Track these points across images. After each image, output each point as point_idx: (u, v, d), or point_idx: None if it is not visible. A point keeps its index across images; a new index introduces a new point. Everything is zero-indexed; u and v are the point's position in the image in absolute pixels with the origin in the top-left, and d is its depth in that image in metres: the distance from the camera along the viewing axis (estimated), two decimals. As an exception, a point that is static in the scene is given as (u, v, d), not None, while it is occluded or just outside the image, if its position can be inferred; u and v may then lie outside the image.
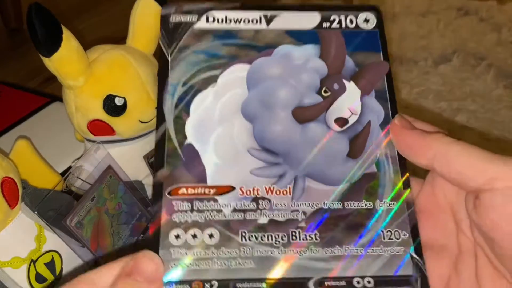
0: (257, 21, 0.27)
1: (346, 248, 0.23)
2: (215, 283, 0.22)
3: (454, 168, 0.23)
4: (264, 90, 0.26)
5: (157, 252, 0.23)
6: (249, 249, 0.23)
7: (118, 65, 0.52)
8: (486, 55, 0.95)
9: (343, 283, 0.22)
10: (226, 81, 0.26)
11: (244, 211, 0.24)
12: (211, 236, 0.23)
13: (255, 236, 0.23)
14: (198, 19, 0.27)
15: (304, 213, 0.24)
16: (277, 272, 0.22)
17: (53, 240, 0.46)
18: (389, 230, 0.24)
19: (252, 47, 0.26)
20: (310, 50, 0.26)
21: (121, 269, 0.22)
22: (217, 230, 0.23)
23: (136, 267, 0.22)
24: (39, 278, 0.44)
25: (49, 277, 0.45)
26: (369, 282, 0.22)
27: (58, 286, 0.45)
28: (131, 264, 0.22)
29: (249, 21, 0.27)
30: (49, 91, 0.82)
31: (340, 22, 0.27)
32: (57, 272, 0.46)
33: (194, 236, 0.23)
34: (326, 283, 0.22)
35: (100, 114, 0.51)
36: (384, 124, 0.26)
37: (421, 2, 1.18)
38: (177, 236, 0.23)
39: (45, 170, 0.55)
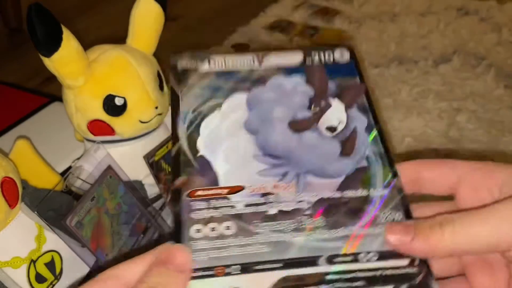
0: (250, 62, 0.32)
1: (350, 229, 0.26)
2: (236, 267, 0.25)
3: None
4: (262, 109, 0.30)
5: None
6: (263, 236, 0.26)
7: (118, 65, 0.52)
8: (486, 55, 0.95)
9: (350, 258, 0.25)
10: (229, 106, 0.30)
11: (255, 205, 0.27)
12: (228, 228, 0.26)
13: (267, 225, 0.26)
14: (201, 64, 0.32)
15: (309, 202, 0.27)
16: (291, 253, 0.25)
17: (53, 240, 0.46)
18: (384, 212, 0.27)
19: (249, 81, 0.31)
20: (297, 79, 0.31)
21: (154, 258, 0.24)
22: (233, 222, 0.26)
23: (168, 257, 0.24)
24: (39, 278, 0.44)
25: (49, 277, 0.45)
26: (373, 255, 0.25)
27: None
28: (164, 255, 0.24)
29: (244, 62, 0.32)
30: (49, 91, 0.82)
31: (320, 58, 0.32)
32: (57, 272, 0.46)
33: (213, 229, 0.26)
34: (334, 260, 0.25)
35: (100, 114, 0.51)
36: (368, 129, 0.30)
37: (421, 2, 1.18)
38: (198, 230, 0.26)
39: (45, 170, 0.55)
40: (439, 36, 1.03)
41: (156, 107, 0.53)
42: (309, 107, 0.30)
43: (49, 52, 0.47)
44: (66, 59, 0.48)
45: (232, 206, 0.27)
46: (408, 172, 0.28)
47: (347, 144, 0.29)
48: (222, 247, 0.25)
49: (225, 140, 0.29)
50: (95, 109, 0.51)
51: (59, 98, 0.61)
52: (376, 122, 0.30)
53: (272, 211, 0.27)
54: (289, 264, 0.25)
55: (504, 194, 0.25)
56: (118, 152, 0.53)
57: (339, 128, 0.30)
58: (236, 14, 1.18)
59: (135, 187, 0.54)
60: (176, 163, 0.28)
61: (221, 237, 0.26)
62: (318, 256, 0.25)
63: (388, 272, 0.25)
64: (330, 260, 0.25)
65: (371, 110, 0.31)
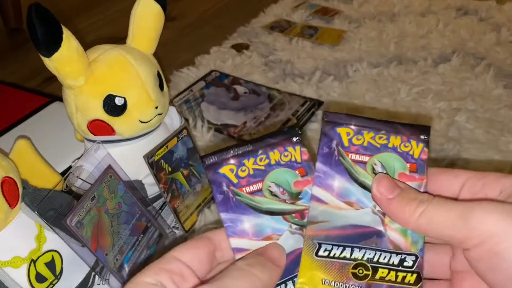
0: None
1: None
2: None
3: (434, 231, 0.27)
4: None
5: None
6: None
7: (118, 65, 0.52)
8: (486, 54, 0.95)
9: None
10: None
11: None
12: None
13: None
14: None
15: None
16: None
17: (53, 240, 0.46)
18: None
19: None
20: None
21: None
22: None
23: (265, 251, 0.27)
24: (39, 278, 0.44)
25: (49, 276, 0.45)
26: None
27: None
28: (262, 249, 0.27)
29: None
30: (49, 91, 0.83)
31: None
32: (57, 272, 0.46)
33: None
34: None
35: (100, 114, 0.51)
36: None
37: (420, 2, 1.18)
38: None
39: (45, 169, 0.55)
40: (439, 36, 1.03)
41: (156, 107, 0.53)
42: None
43: (49, 52, 0.47)
44: (66, 59, 0.48)
45: None
46: None
47: None
48: None
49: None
50: (95, 109, 0.51)
51: (60, 98, 0.62)
52: None
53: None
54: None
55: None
56: (118, 152, 0.53)
57: None
58: (236, 14, 1.19)
59: (135, 186, 0.54)
60: None
61: None
62: None
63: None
64: None
65: None
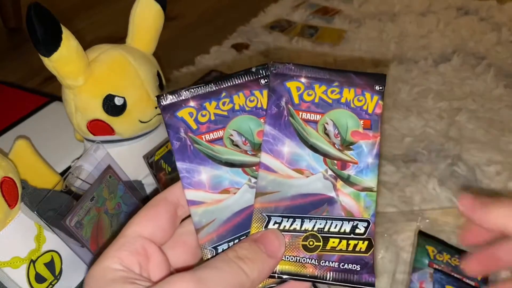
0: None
1: None
2: None
3: None
4: None
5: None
6: None
7: (118, 64, 0.51)
8: (486, 54, 0.95)
9: None
10: None
11: None
12: None
13: None
14: None
15: None
16: None
17: (53, 240, 0.46)
18: None
19: None
20: None
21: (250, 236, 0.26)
22: None
23: (263, 238, 0.25)
24: (39, 278, 0.44)
25: (49, 277, 0.45)
26: None
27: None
28: (259, 234, 0.25)
29: None
30: (48, 91, 0.83)
31: None
32: (57, 272, 0.46)
33: None
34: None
35: (99, 113, 0.51)
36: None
37: (421, 1, 1.18)
38: None
39: (45, 170, 0.55)
40: (439, 35, 1.03)
41: (156, 107, 0.53)
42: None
43: (49, 52, 0.47)
44: (66, 59, 0.48)
45: None
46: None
47: None
48: None
49: None
50: (94, 109, 0.51)
51: (59, 98, 0.61)
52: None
53: None
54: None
55: None
56: (118, 152, 0.53)
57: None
58: (236, 14, 1.18)
59: (134, 186, 0.54)
60: None
61: None
62: None
63: None
64: None
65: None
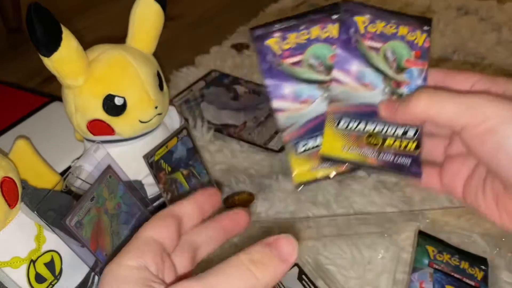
0: None
1: None
2: None
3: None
4: None
5: None
6: None
7: (118, 64, 0.52)
8: (486, 54, 0.95)
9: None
10: None
11: None
12: None
13: None
14: None
15: None
16: None
17: (53, 240, 0.46)
18: None
19: None
20: None
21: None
22: None
23: (276, 242, 0.25)
24: (39, 278, 0.44)
25: (49, 277, 0.45)
26: None
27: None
28: (273, 238, 0.25)
29: None
30: (48, 91, 0.82)
31: None
32: (57, 272, 0.46)
33: None
34: None
35: (99, 113, 0.51)
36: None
37: (421, 1, 1.18)
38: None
39: (45, 170, 0.55)
40: (439, 35, 1.03)
41: (156, 107, 0.53)
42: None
43: (49, 52, 0.47)
44: (66, 59, 0.48)
45: None
46: (436, 78, 0.34)
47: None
48: None
49: None
50: (94, 109, 0.51)
51: (59, 98, 0.61)
52: None
53: None
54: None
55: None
56: (118, 152, 0.53)
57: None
58: (236, 14, 1.18)
59: (134, 187, 0.54)
60: None
61: None
62: None
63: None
64: None
65: None
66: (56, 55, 0.47)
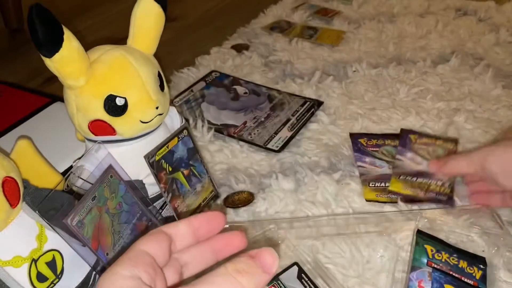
0: None
1: None
2: None
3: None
4: None
5: None
6: None
7: (119, 65, 0.52)
8: (485, 55, 0.95)
9: None
10: None
11: None
12: None
13: None
14: None
15: None
16: None
17: (54, 239, 0.46)
18: None
19: None
20: None
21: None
22: None
23: (259, 255, 0.27)
24: (40, 277, 0.44)
25: (50, 276, 0.45)
26: None
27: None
28: (256, 251, 0.27)
29: None
30: (50, 91, 0.83)
31: None
32: (58, 271, 0.46)
33: None
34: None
35: (101, 114, 0.52)
36: None
37: (419, 2, 1.18)
38: None
39: (46, 169, 0.55)
40: (438, 36, 1.03)
41: (157, 107, 0.53)
42: None
43: (50, 53, 0.47)
44: (67, 60, 0.48)
45: None
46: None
47: None
48: None
49: None
50: (96, 109, 0.51)
51: (60, 98, 0.62)
52: None
53: None
54: None
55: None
56: (119, 152, 0.53)
57: None
58: (236, 14, 1.19)
59: (135, 186, 0.54)
60: None
61: None
62: None
63: None
64: None
65: None
66: (57, 56, 0.47)
